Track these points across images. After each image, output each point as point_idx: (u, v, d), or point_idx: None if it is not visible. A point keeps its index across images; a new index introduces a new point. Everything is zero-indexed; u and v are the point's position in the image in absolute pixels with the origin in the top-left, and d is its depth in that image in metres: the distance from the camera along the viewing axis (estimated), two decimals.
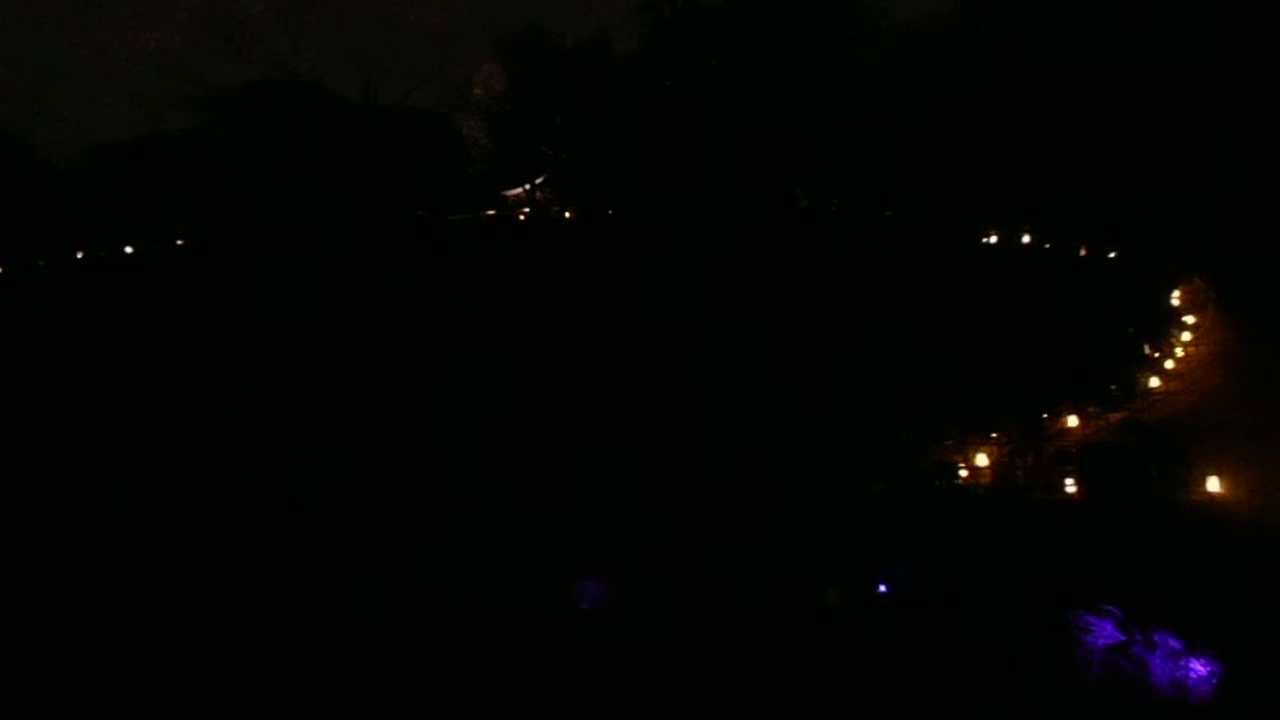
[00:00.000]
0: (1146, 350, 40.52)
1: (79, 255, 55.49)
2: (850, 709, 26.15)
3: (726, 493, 32.10)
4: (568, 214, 62.41)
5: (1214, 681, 23.20)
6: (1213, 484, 28.81)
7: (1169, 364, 39.26)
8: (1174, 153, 48.36)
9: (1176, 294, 46.05)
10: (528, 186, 65.55)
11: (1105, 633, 24.78)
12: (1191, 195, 46.77)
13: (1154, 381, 37.77)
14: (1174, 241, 46.57)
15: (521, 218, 63.78)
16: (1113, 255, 49.84)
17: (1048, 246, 52.31)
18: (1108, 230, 49.82)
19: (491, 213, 64.28)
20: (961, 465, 33.22)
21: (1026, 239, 53.46)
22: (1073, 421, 35.44)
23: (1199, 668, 23.44)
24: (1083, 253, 50.79)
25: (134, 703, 27.32)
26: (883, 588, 28.53)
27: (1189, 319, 43.26)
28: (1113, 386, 37.07)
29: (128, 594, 30.63)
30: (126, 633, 29.21)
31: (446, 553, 32.29)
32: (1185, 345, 40.87)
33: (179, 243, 57.65)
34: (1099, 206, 50.18)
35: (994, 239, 54.21)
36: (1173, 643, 23.87)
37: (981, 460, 33.27)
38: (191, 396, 39.49)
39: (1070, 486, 30.56)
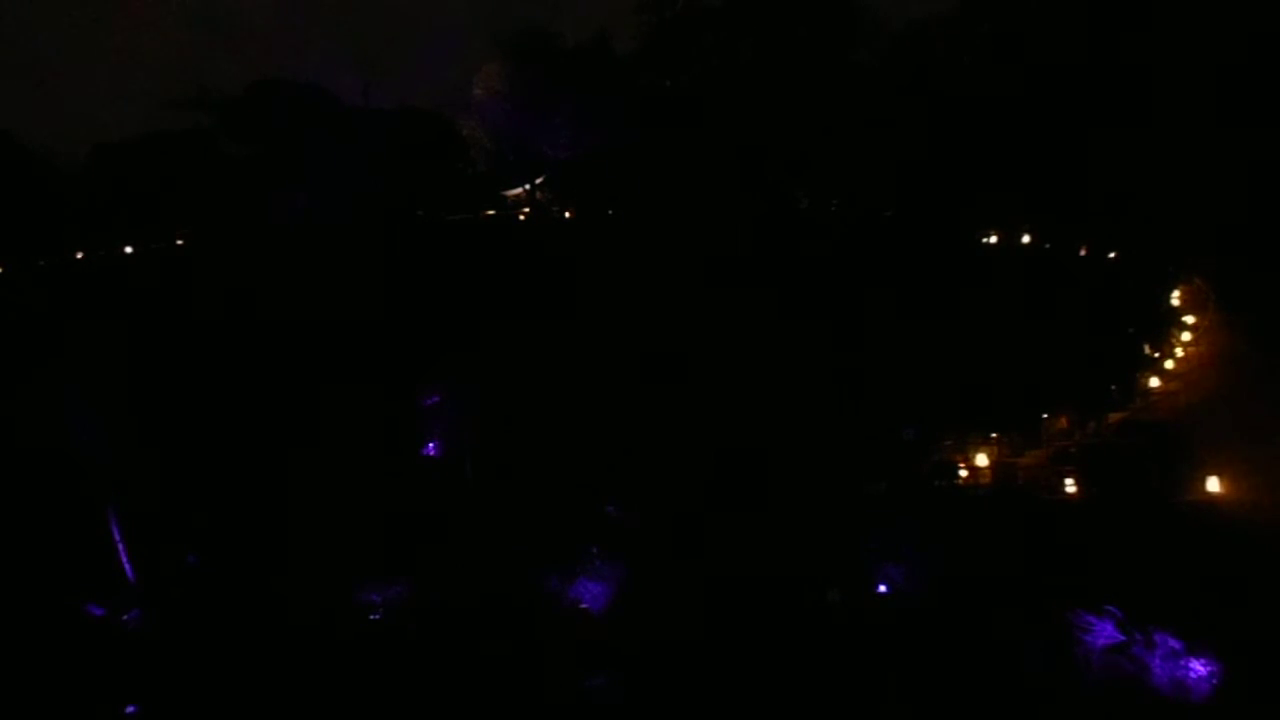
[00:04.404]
0: (1146, 350, 40.51)
1: (79, 255, 55.47)
2: (851, 708, 26.16)
3: (727, 492, 32.11)
4: (568, 214, 62.40)
5: (1214, 681, 23.22)
6: (1213, 484, 28.79)
7: (1169, 364, 39.24)
8: (1174, 153, 48.34)
9: (1176, 294, 46.04)
10: (528, 186, 65.52)
11: (1105, 633, 24.79)
12: (1191, 195, 46.76)
13: (1154, 381, 37.76)
14: (1174, 241, 46.54)
15: (521, 218, 63.76)
16: (1113, 255, 49.83)
17: (1048, 246, 52.29)
18: (1108, 230, 49.80)
19: (491, 213, 64.27)
20: (961, 465, 33.22)
21: (1026, 239, 53.46)
22: (1073, 421, 35.45)
23: (1199, 668, 23.45)
24: (1083, 253, 50.78)
25: None
26: (883, 588, 28.57)
27: (1189, 319, 43.24)
28: (1113, 386, 37.07)
29: None
30: None
31: (449, 550, 32.39)
32: (1185, 345, 40.85)
33: (179, 243, 57.65)
34: (1099, 206, 50.18)
35: (994, 239, 54.21)
36: (1173, 643, 23.88)
37: (981, 460, 33.28)
38: (189, 394, 39.52)
39: (1070, 486, 30.55)
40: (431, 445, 38.63)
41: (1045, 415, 35.70)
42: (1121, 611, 24.67)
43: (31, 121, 62.35)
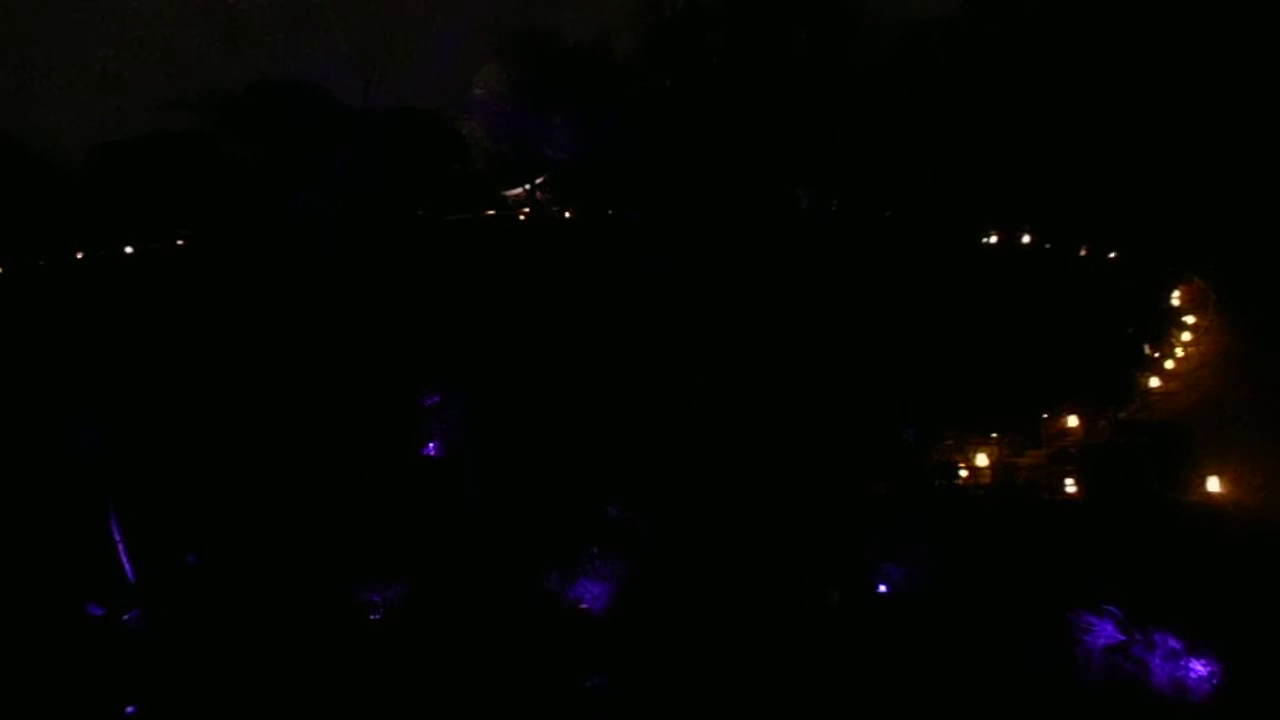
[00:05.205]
0: (1146, 350, 40.52)
1: (79, 255, 55.48)
2: (850, 708, 26.17)
3: (727, 492, 32.12)
4: (568, 214, 62.41)
5: (1214, 681, 23.22)
6: (1213, 484, 28.79)
7: (1169, 364, 39.25)
8: (1174, 153, 48.35)
9: (1176, 294, 46.06)
10: (528, 186, 65.51)
11: (1105, 633, 24.79)
12: (1191, 195, 46.74)
13: (1154, 381, 37.77)
14: (1174, 241, 46.53)
15: (521, 218, 63.76)
16: (1113, 255, 49.83)
17: (1048, 246, 52.29)
18: (1108, 230, 49.79)
19: (491, 213, 64.28)
20: (961, 465, 33.25)
21: (1026, 239, 53.46)
22: (1073, 421, 35.47)
23: (1199, 668, 23.45)
24: (1083, 253, 50.78)
25: None
26: (883, 588, 28.59)
27: (1189, 319, 43.25)
28: (1113, 386, 37.07)
29: None
30: None
31: (450, 550, 32.42)
32: (1185, 345, 40.85)
33: (179, 243, 57.69)
34: (1099, 206, 50.17)
35: (994, 239, 54.22)
36: (1173, 643, 23.88)
37: (981, 460, 33.31)
38: (190, 393, 39.54)
39: (1070, 486, 30.56)
40: (431, 445, 38.67)
41: (1045, 415, 35.72)
42: (1121, 611, 24.67)
43: (31, 121, 62.14)
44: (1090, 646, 24.82)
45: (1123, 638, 24.55)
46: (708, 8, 63.87)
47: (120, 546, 32.88)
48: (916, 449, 34.38)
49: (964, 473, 33.06)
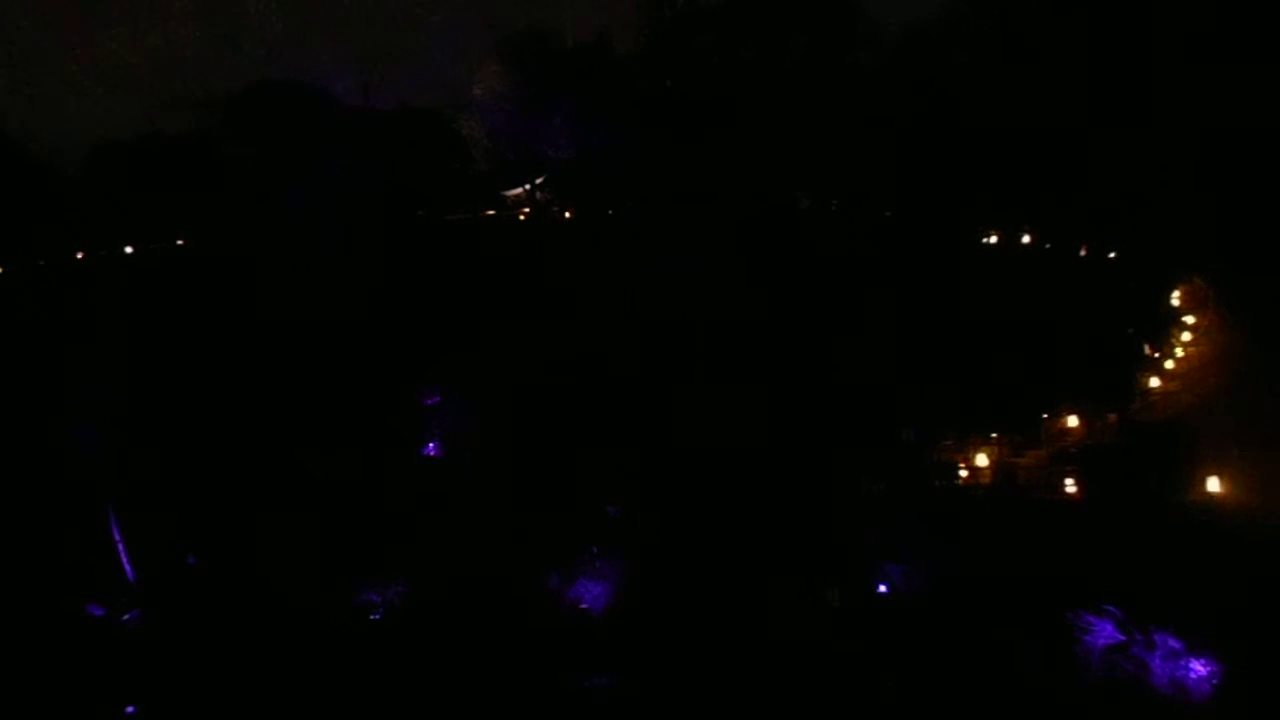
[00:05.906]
0: (1146, 350, 40.55)
1: (79, 255, 55.46)
2: (850, 708, 26.18)
3: (726, 492, 32.13)
4: (568, 214, 62.41)
5: (1214, 681, 23.23)
6: (1213, 484, 28.79)
7: (1169, 364, 39.26)
8: (1175, 153, 48.34)
9: (1176, 294, 46.08)
10: (528, 186, 65.49)
11: (1105, 633, 24.80)
12: (1191, 195, 46.75)
13: (1154, 381, 37.79)
14: (1174, 241, 46.55)
15: (521, 218, 63.75)
16: (1113, 255, 49.84)
17: (1048, 246, 52.30)
18: (1108, 230, 49.81)
19: (491, 213, 64.26)
20: (961, 465, 33.26)
21: (1026, 239, 53.46)
22: (1073, 421, 35.48)
23: (1199, 668, 23.47)
24: (1083, 253, 50.78)
25: None
26: (883, 588, 28.59)
27: (1189, 319, 43.28)
28: (1113, 386, 37.09)
29: None
30: None
31: (449, 550, 32.41)
32: (1185, 345, 40.87)
33: (179, 243, 57.67)
34: (1099, 206, 50.19)
35: (994, 239, 54.21)
36: (1173, 643, 23.89)
37: (981, 460, 33.32)
38: (190, 394, 39.55)
39: (1070, 486, 30.57)
40: (431, 445, 38.67)
41: (1045, 415, 35.73)
42: (1121, 611, 24.69)
43: (31, 121, 62.14)
44: (1090, 646, 24.84)
45: (1123, 638, 24.57)
46: (708, 8, 63.87)
47: (120, 546, 32.87)
48: (916, 449, 34.39)
49: (964, 473, 33.07)
